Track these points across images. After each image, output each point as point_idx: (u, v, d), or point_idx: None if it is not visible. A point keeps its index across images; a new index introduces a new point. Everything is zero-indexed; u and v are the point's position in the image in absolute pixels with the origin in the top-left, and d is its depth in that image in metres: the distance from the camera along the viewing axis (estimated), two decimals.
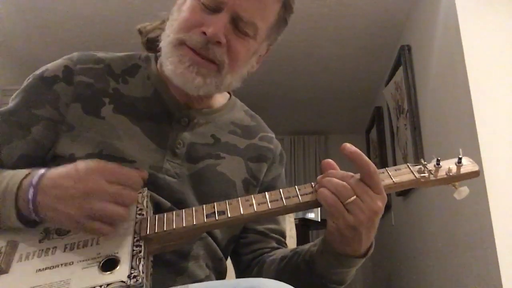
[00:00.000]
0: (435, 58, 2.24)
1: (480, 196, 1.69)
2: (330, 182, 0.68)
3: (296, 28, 2.78)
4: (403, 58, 2.65)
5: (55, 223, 0.67)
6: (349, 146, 0.69)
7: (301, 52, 3.12)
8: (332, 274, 0.76)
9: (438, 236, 2.29)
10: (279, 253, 0.88)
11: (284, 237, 0.96)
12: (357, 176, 0.68)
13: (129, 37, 2.86)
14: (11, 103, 0.83)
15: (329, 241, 0.74)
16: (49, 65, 0.85)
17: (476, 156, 1.70)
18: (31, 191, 0.66)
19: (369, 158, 2.76)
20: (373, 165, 0.68)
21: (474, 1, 1.91)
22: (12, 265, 0.65)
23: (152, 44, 0.89)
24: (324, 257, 0.76)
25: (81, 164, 0.67)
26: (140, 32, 0.90)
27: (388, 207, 3.39)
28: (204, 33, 0.77)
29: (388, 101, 3.14)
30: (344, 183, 0.67)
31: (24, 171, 0.70)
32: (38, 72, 0.85)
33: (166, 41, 0.81)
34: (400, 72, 2.75)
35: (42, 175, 0.67)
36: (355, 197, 0.67)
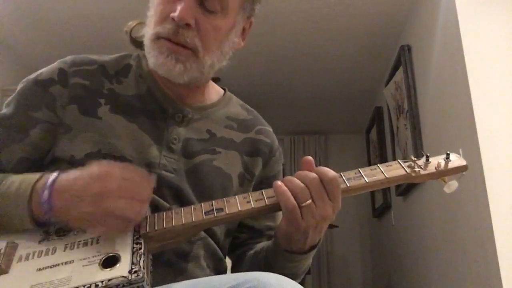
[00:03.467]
0: (435, 58, 2.24)
1: (480, 196, 1.69)
2: (291, 183, 0.70)
3: (296, 28, 2.79)
4: (403, 58, 2.65)
5: (72, 223, 0.68)
6: (305, 157, 0.73)
7: (301, 52, 3.12)
8: (282, 268, 0.79)
9: (438, 236, 2.29)
10: (255, 247, 0.91)
11: None
12: (317, 178, 0.70)
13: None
14: (6, 108, 0.84)
15: (277, 237, 0.78)
16: (43, 69, 0.86)
17: (476, 156, 1.70)
18: (46, 192, 0.67)
19: (369, 158, 2.77)
20: (333, 173, 0.70)
21: (474, 1, 1.91)
22: (12, 265, 0.66)
23: (139, 43, 0.90)
24: (274, 253, 0.80)
25: (94, 166, 0.68)
26: (126, 32, 0.91)
27: (388, 207, 3.42)
28: (173, 19, 0.78)
29: (388, 101, 3.14)
30: (303, 185, 0.69)
31: (36, 175, 0.71)
32: (32, 76, 0.85)
33: (146, 37, 0.83)
34: (400, 72, 2.75)
35: (56, 177, 0.69)
36: (310, 201, 0.69)
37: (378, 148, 3.56)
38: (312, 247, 0.78)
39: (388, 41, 2.93)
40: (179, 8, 0.78)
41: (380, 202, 3.57)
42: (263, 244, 0.89)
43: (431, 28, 2.28)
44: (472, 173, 1.74)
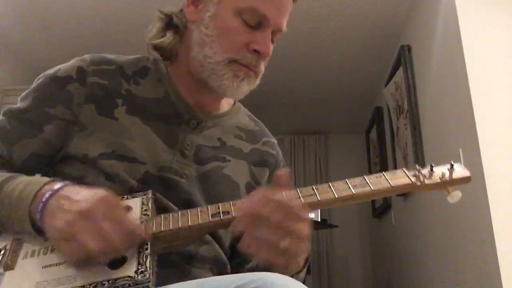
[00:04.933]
0: (435, 58, 2.24)
1: (480, 196, 1.69)
2: (263, 240, 0.64)
3: (296, 28, 2.78)
4: (403, 58, 2.65)
5: (49, 233, 0.66)
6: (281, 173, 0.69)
7: (301, 52, 3.12)
8: None
9: (438, 236, 2.29)
10: (253, 262, 0.89)
11: None
12: (286, 207, 0.65)
13: (128, 36, 2.86)
14: (22, 102, 0.84)
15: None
16: (61, 66, 0.86)
17: (476, 156, 1.70)
18: (48, 193, 0.67)
19: (369, 158, 2.77)
20: (296, 201, 0.67)
21: (474, 1, 1.91)
22: (18, 262, 0.66)
23: (162, 52, 0.91)
24: None
25: (104, 191, 0.67)
26: (156, 48, 0.90)
27: (388, 207, 3.42)
28: (256, 50, 0.82)
29: (388, 101, 3.14)
30: (275, 238, 0.63)
31: (47, 178, 0.71)
32: (50, 72, 0.85)
33: (213, 58, 0.83)
34: (400, 72, 2.75)
35: (67, 184, 0.69)
36: (288, 242, 0.63)
37: (378, 148, 3.56)
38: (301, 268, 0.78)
39: (388, 41, 2.93)
40: (261, 41, 0.82)
41: (380, 202, 3.57)
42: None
43: (431, 28, 2.28)
44: (472, 173, 1.73)
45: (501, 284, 1.55)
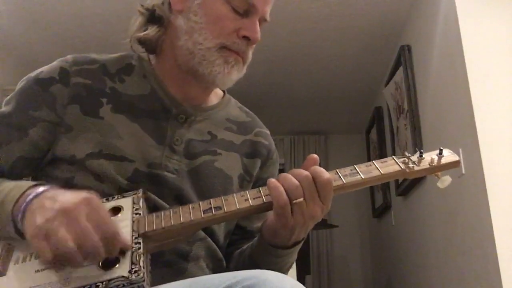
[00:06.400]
0: (435, 58, 2.24)
1: (480, 196, 1.69)
2: (285, 180, 0.70)
3: (296, 28, 2.79)
4: (403, 58, 2.65)
5: (28, 232, 0.62)
6: (311, 155, 0.75)
7: (301, 52, 3.12)
8: (267, 263, 0.79)
9: (438, 236, 2.29)
10: (242, 247, 0.91)
11: None
12: (310, 177, 0.71)
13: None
14: (6, 106, 0.83)
15: (262, 231, 0.79)
16: (43, 68, 0.85)
17: (476, 156, 1.70)
18: (31, 196, 0.65)
19: (369, 158, 2.79)
20: (327, 175, 0.71)
21: (474, 1, 1.91)
22: (9, 267, 0.65)
23: (147, 45, 0.90)
24: (258, 248, 0.82)
25: (87, 192, 0.65)
26: (141, 41, 0.89)
27: (388, 207, 3.42)
28: (246, 37, 0.83)
29: (388, 101, 3.14)
30: (297, 183, 0.70)
31: (32, 182, 0.70)
32: (32, 74, 0.85)
33: (203, 45, 0.83)
34: (400, 72, 2.75)
35: (50, 187, 0.67)
36: (302, 199, 0.69)
37: (378, 148, 3.56)
38: (296, 243, 0.79)
39: (388, 41, 2.93)
40: (250, 28, 0.83)
41: (380, 202, 3.57)
42: (248, 243, 0.90)
43: (431, 28, 2.28)
44: (472, 173, 1.74)
45: (501, 284, 1.55)
